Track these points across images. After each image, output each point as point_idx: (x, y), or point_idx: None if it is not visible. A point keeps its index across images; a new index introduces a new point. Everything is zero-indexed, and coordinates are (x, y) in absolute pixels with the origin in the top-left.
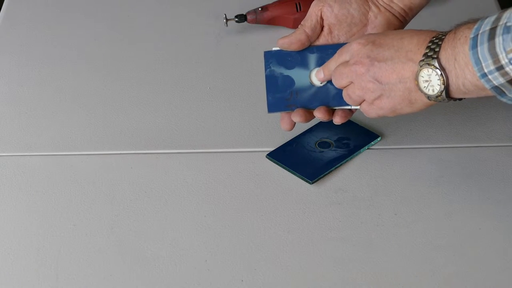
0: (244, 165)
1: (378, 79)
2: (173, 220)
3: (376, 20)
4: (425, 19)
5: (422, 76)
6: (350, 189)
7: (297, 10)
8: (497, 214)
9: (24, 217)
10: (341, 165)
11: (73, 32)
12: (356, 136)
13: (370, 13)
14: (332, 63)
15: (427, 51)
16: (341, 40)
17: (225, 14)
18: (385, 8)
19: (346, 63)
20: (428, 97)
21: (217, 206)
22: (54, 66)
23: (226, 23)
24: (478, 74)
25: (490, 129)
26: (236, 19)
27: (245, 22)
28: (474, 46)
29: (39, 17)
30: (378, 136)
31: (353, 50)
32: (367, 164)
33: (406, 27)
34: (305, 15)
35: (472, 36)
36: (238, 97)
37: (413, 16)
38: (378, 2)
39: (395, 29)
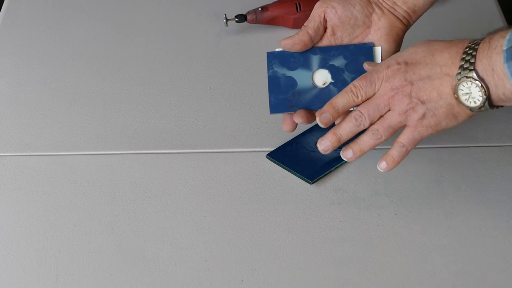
0: (244, 165)
1: (420, 99)
2: (173, 220)
3: (379, 22)
4: (425, 19)
5: (462, 90)
6: (350, 189)
7: (297, 10)
8: (497, 214)
9: (24, 217)
10: (341, 165)
11: (73, 32)
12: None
13: (373, 15)
14: (347, 99)
15: (463, 63)
16: (344, 42)
17: (225, 14)
18: (388, 10)
19: (374, 95)
20: (471, 109)
21: (217, 206)
22: (54, 66)
23: (226, 23)
24: None
25: (490, 129)
26: (236, 19)
27: (245, 22)
28: (508, 58)
29: (39, 17)
30: None
31: (386, 76)
32: (367, 164)
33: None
34: (305, 15)
35: (505, 48)
36: (238, 97)
37: (416, 19)
38: (382, 4)
39: (398, 31)
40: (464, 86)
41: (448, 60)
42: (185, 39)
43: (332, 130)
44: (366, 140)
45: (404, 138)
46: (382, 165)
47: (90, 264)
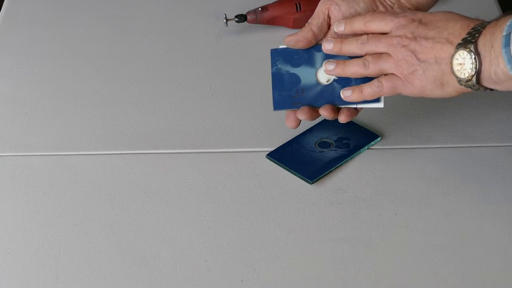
0: (244, 165)
1: (416, 55)
2: (173, 220)
3: None
4: None
5: (457, 59)
6: (350, 189)
7: (297, 10)
8: (497, 214)
9: (24, 217)
10: (341, 165)
11: (73, 32)
12: (356, 136)
13: None
14: (359, 22)
15: (467, 36)
16: None
17: (225, 14)
18: (392, 8)
19: (384, 34)
20: (459, 80)
21: (217, 206)
22: (54, 66)
23: (226, 23)
24: (510, 73)
25: (490, 129)
26: (236, 19)
27: (245, 22)
28: (507, 44)
29: (39, 17)
30: (378, 136)
31: (399, 23)
32: (367, 164)
33: None
34: (305, 15)
35: (505, 33)
36: (238, 97)
37: None
38: (386, 2)
39: None
40: (460, 55)
41: (457, 29)
42: (185, 39)
43: (339, 40)
44: (352, 64)
45: (387, 80)
46: (347, 92)
47: (90, 264)
